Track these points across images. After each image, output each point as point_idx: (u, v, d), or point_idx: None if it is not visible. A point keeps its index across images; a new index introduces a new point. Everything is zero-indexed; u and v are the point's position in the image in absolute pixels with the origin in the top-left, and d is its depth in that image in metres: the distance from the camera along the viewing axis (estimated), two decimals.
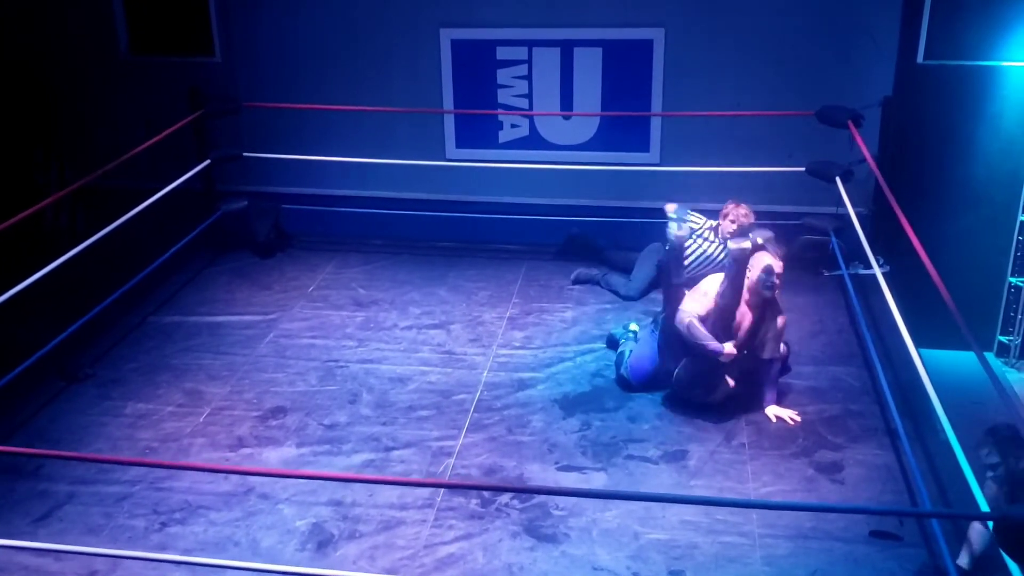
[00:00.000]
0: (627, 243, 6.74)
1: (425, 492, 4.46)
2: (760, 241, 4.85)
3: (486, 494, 4.42)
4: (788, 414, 5.02)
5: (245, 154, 7.17)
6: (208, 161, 7.05)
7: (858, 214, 5.85)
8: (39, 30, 7.68)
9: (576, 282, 6.61)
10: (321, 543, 4.18)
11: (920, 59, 6.81)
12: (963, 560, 3.86)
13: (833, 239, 6.49)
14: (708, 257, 5.97)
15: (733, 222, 5.80)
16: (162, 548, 4.14)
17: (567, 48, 7.17)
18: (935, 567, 3.94)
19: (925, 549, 4.07)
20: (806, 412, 5.11)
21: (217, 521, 4.32)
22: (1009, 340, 7.15)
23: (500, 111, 7.34)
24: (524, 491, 4.46)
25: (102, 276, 6.19)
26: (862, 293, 6.10)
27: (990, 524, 3.29)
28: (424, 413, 5.15)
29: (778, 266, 4.85)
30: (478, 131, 7.49)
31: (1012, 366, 7.13)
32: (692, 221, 5.21)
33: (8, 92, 7.63)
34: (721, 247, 5.86)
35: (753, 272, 4.85)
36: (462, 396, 5.30)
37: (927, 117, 6.87)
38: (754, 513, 4.28)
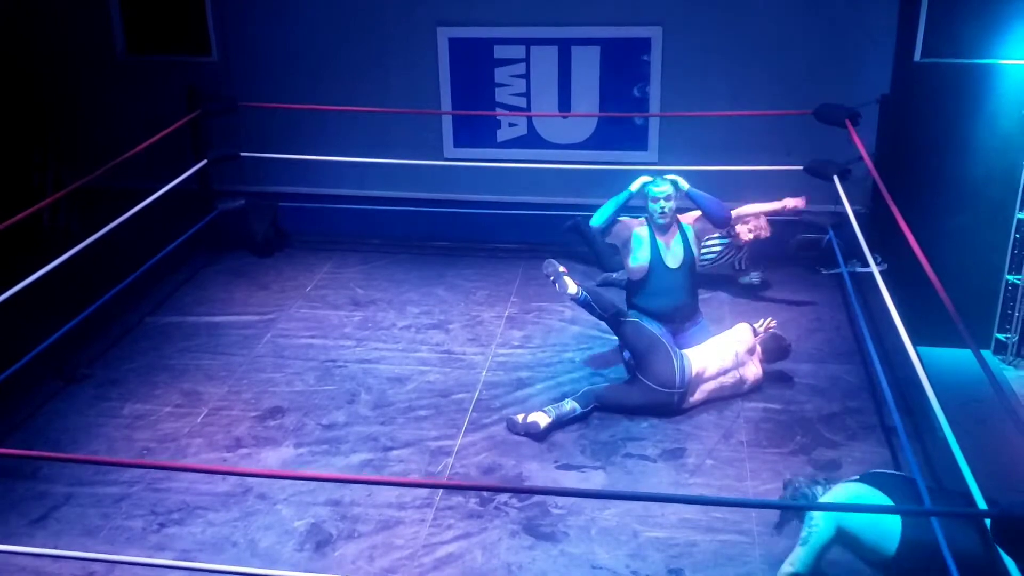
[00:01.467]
0: None
1: (424, 491, 4.45)
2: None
3: (485, 493, 4.42)
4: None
5: (242, 154, 7.17)
6: (205, 161, 7.04)
7: (856, 212, 5.85)
8: (35, 30, 7.66)
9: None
10: (320, 543, 4.17)
11: (917, 57, 6.81)
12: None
13: (831, 237, 6.49)
14: (718, 256, 6.34)
15: (751, 231, 6.23)
16: (160, 549, 4.14)
17: (565, 47, 7.16)
18: None
19: None
20: (804, 410, 5.12)
21: (215, 521, 4.32)
22: (1006, 337, 7.15)
23: (497, 112, 7.34)
24: (521, 491, 4.46)
25: (99, 276, 6.17)
26: (860, 291, 6.10)
27: (987, 522, 3.29)
28: (423, 413, 5.14)
29: (666, 187, 5.45)
30: (476, 130, 7.48)
31: (1010, 363, 7.13)
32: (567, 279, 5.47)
33: (4, 93, 7.62)
34: (729, 247, 6.35)
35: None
36: (461, 396, 5.30)
37: (924, 115, 6.87)
38: (753, 511, 4.28)
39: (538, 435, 4.87)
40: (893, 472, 3.91)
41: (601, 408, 5.06)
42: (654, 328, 5.20)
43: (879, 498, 3.57)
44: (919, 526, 3.48)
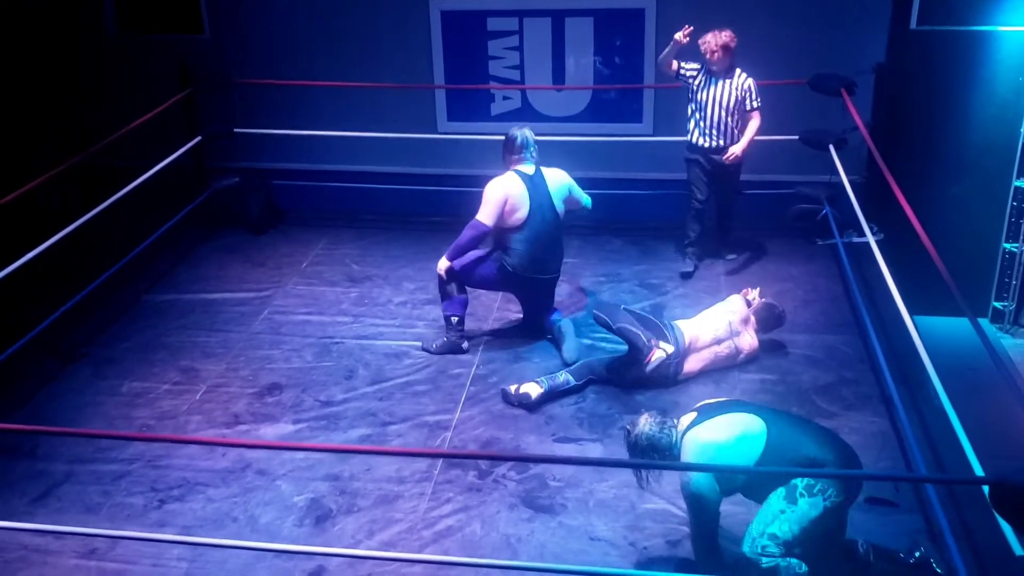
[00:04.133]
0: (624, 216, 6.71)
1: (423, 465, 4.47)
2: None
3: (483, 466, 4.44)
4: None
5: (236, 130, 7.13)
6: (199, 138, 7.01)
7: (851, 182, 5.83)
8: (25, 10, 7.59)
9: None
10: (319, 518, 4.19)
11: (913, 25, 6.76)
12: None
13: (827, 207, 6.48)
14: (693, 91, 6.25)
15: (709, 54, 6.08)
16: (161, 525, 4.16)
17: (558, 18, 7.11)
18: (930, 531, 3.96)
19: (920, 514, 4.10)
20: (801, 380, 5.13)
21: (215, 498, 4.34)
22: (1004, 306, 7.14)
23: (491, 85, 7.29)
24: (521, 459, 4.47)
25: (95, 255, 6.17)
26: (856, 261, 6.10)
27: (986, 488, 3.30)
28: (420, 388, 5.15)
29: None
30: (470, 104, 7.44)
31: (1007, 332, 7.13)
32: None
33: None
34: (704, 77, 6.21)
35: None
36: (458, 371, 5.30)
37: (921, 83, 6.83)
38: None
39: (531, 405, 4.89)
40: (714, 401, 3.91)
41: (596, 381, 5.07)
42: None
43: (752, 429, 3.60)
44: (781, 432, 3.56)
